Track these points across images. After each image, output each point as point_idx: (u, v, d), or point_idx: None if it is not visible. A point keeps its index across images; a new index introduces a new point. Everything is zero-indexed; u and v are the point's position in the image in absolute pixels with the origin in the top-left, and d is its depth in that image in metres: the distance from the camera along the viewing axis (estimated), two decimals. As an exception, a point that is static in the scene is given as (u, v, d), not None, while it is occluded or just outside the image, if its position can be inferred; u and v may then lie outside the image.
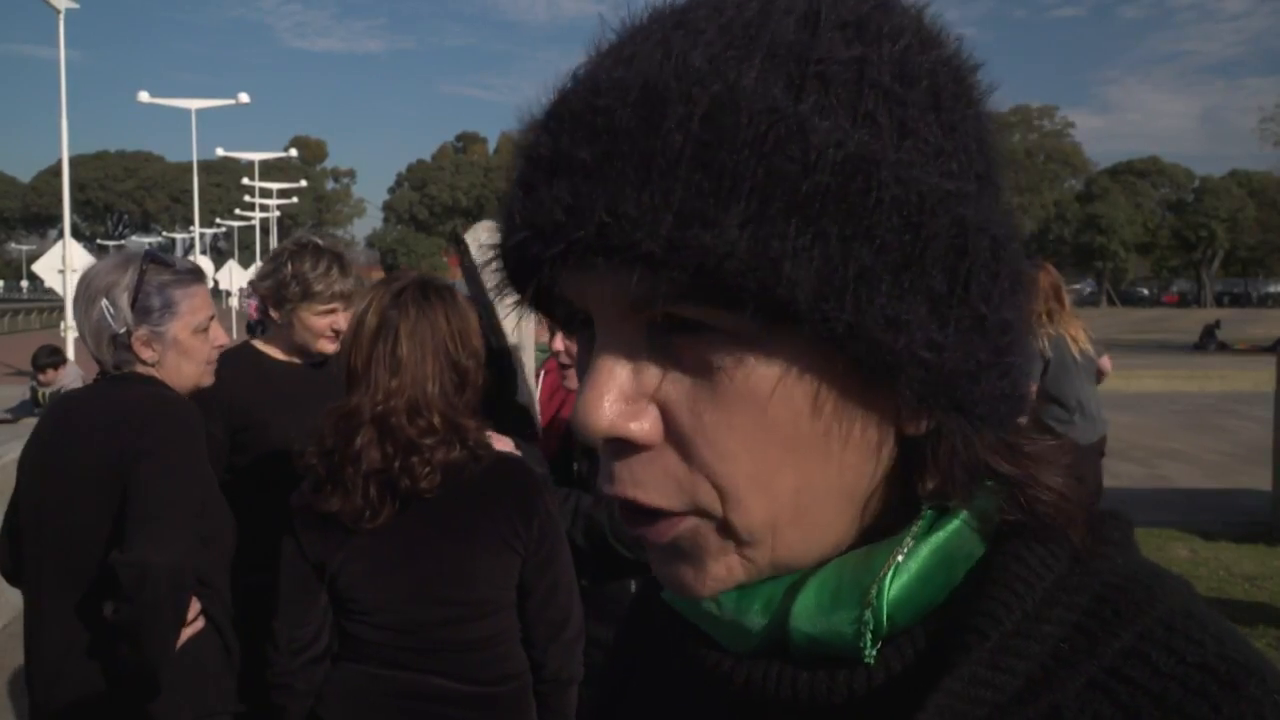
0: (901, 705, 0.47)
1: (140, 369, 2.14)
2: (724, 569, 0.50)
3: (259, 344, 2.81)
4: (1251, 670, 0.45)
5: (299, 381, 2.69)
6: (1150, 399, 15.16)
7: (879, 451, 0.50)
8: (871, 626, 0.49)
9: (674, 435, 0.48)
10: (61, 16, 16.60)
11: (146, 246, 2.42)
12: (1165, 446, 11.10)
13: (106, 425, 2.05)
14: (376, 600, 1.90)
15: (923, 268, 0.45)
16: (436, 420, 1.85)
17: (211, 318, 2.26)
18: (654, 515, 0.49)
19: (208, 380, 2.27)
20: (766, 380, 0.47)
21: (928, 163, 0.46)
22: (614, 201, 0.44)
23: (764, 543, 0.49)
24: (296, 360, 2.76)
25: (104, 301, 2.10)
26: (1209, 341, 30.74)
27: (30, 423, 9.56)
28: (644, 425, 0.48)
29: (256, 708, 2.06)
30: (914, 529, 0.50)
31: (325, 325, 2.72)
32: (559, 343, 2.43)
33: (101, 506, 2.00)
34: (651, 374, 0.48)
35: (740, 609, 0.53)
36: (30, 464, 2.15)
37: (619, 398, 0.48)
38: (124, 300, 2.10)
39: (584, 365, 0.51)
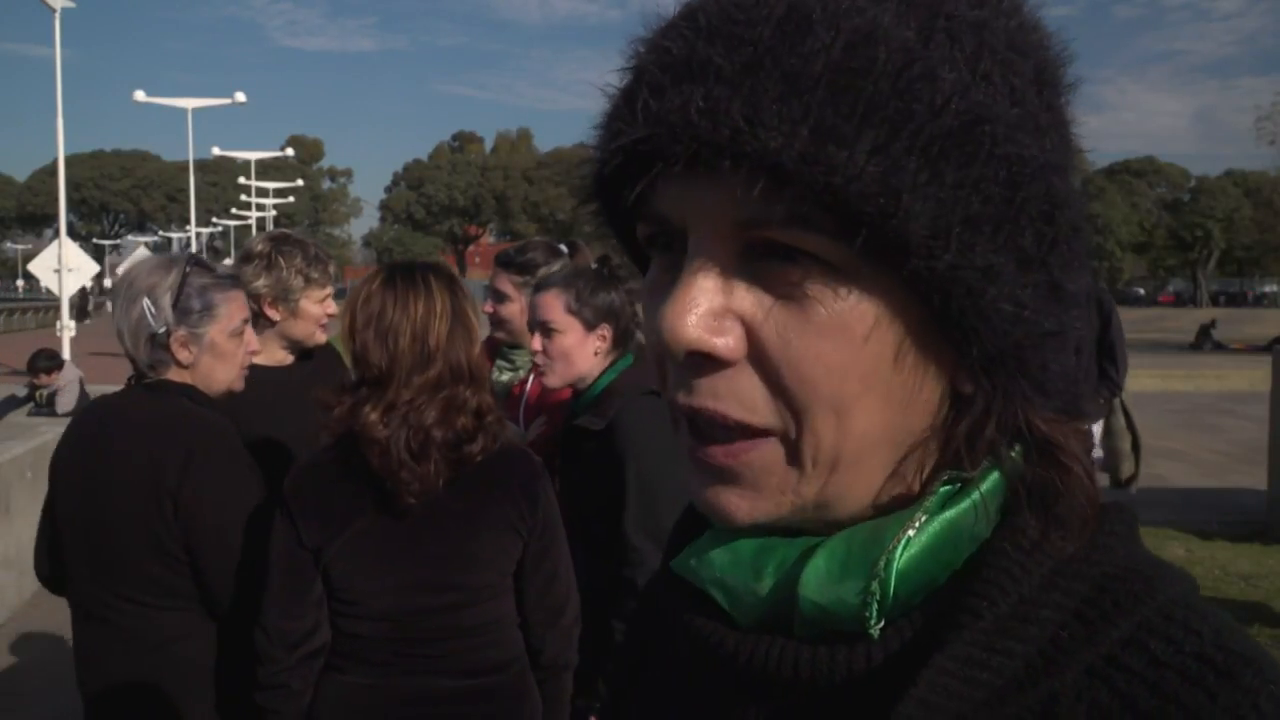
0: (900, 684, 0.48)
1: (174, 372, 2.16)
2: (773, 505, 0.51)
3: None
4: (1249, 660, 0.45)
5: (272, 385, 2.69)
6: (1146, 398, 15.14)
7: (934, 409, 0.51)
8: (878, 598, 0.49)
9: (756, 356, 0.49)
10: (57, 15, 16.57)
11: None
12: (1161, 446, 11.10)
13: (145, 443, 2.07)
14: (374, 586, 1.89)
15: (1017, 226, 0.47)
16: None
17: (246, 322, 2.28)
18: (728, 433, 0.50)
19: (239, 385, 2.28)
20: (863, 318, 0.48)
21: (1029, 131, 0.48)
22: (752, 109, 0.45)
23: (820, 478, 0.51)
24: (268, 364, 2.77)
25: (146, 301, 2.11)
26: (1205, 341, 30.78)
27: (16, 421, 9.52)
28: (729, 341, 0.49)
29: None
30: (927, 504, 0.51)
31: (322, 312, 2.78)
32: (536, 343, 2.46)
33: (139, 521, 2.04)
34: (741, 293, 0.49)
35: (755, 570, 0.54)
36: (66, 471, 2.16)
37: (707, 312, 0.49)
38: (166, 301, 2.12)
39: (661, 286, 0.52)
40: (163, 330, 2.11)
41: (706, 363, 0.50)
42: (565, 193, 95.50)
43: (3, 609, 5.77)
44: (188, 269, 2.17)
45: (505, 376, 3.03)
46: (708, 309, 0.49)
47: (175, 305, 2.13)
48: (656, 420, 2.36)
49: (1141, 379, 17.35)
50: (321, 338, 2.85)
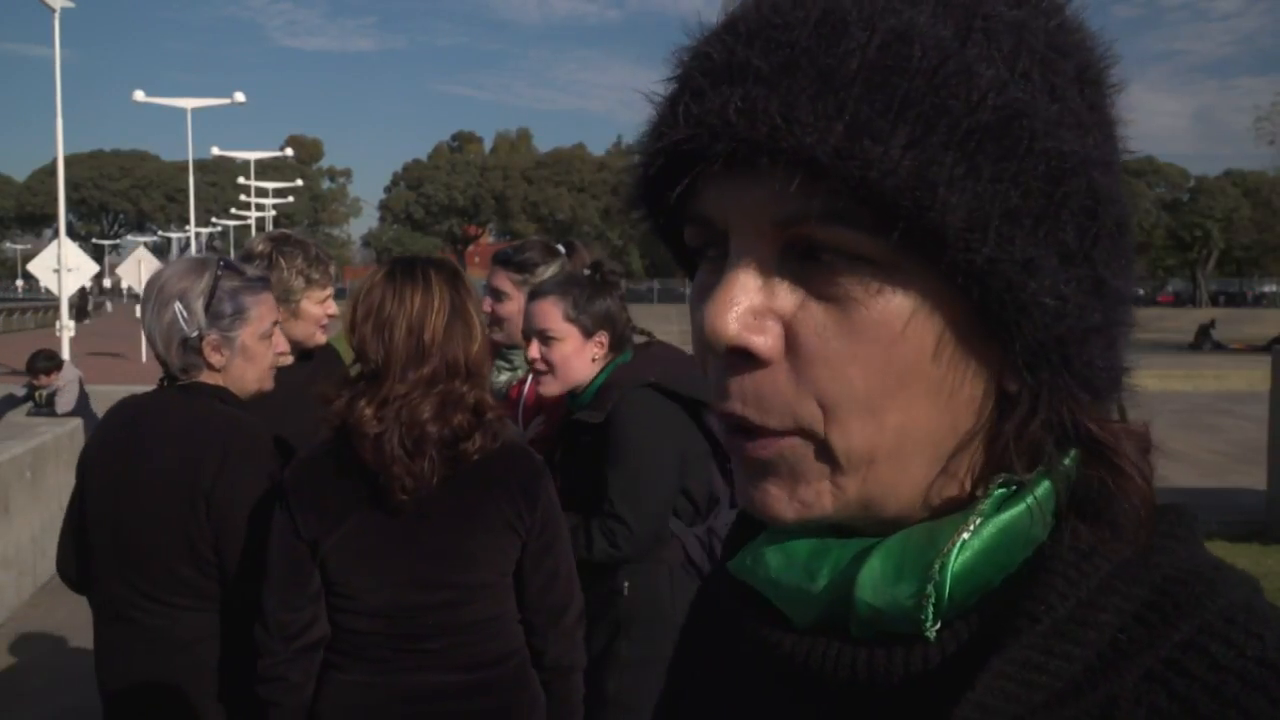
0: (956, 687, 0.48)
1: (206, 375, 2.17)
2: (813, 493, 0.51)
3: None
4: None
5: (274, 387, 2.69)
6: (1145, 398, 15.16)
7: (977, 407, 0.51)
8: (934, 600, 0.50)
9: (793, 355, 0.50)
10: (57, 15, 16.56)
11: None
12: (1160, 446, 11.10)
13: (180, 444, 2.09)
14: (371, 582, 1.89)
15: (1058, 221, 0.48)
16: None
17: (276, 324, 2.29)
18: (758, 431, 0.51)
19: (269, 385, 2.29)
20: (900, 313, 0.48)
21: (1070, 128, 0.48)
22: (788, 107, 0.46)
23: (857, 472, 0.51)
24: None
25: (178, 305, 2.12)
26: (1204, 341, 30.86)
27: (16, 421, 9.51)
28: (767, 340, 0.50)
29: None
30: (982, 507, 0.51)
31: (323, 312, 2.80)
32: (533, 350, 2.45)
33: (173, 523, 2.06)
34: (781, 293, 0.50)
35: (809, 572, 0.54)
36: (97, 472, 2.17)
37: (747, 310, 0.50)
38: (198, 305, 2.13)
39: (707, 289, 0.53)
40: (195, 334, 2.12)
41: (744, 360, 0.50)
42: (565, 192, 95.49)
43: (2, 609, 5.77)
44: (219, 272, 2.17)
45: (503, 377, 3.03)
46: (748, 306, 0.50)
47: (207, 309, 2.13)
48: (653, 412, 2.37)
49: (1140, 379, 17.30)
50: (322, 338, 2.87)
